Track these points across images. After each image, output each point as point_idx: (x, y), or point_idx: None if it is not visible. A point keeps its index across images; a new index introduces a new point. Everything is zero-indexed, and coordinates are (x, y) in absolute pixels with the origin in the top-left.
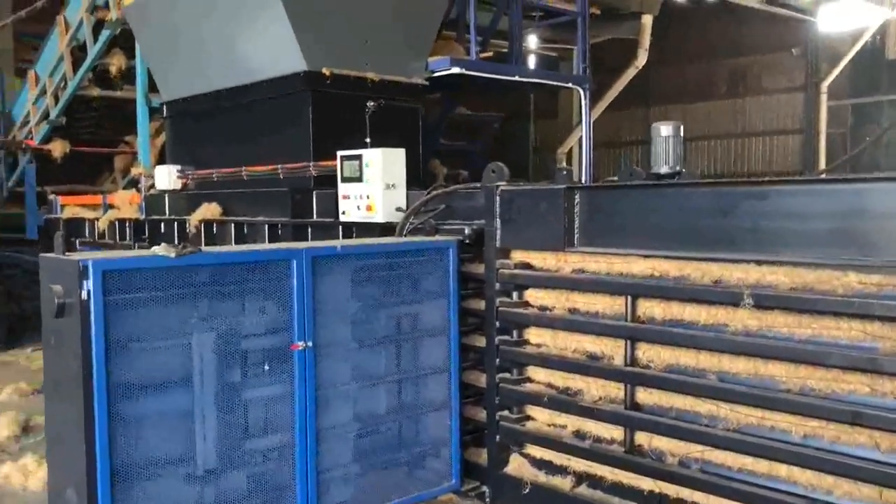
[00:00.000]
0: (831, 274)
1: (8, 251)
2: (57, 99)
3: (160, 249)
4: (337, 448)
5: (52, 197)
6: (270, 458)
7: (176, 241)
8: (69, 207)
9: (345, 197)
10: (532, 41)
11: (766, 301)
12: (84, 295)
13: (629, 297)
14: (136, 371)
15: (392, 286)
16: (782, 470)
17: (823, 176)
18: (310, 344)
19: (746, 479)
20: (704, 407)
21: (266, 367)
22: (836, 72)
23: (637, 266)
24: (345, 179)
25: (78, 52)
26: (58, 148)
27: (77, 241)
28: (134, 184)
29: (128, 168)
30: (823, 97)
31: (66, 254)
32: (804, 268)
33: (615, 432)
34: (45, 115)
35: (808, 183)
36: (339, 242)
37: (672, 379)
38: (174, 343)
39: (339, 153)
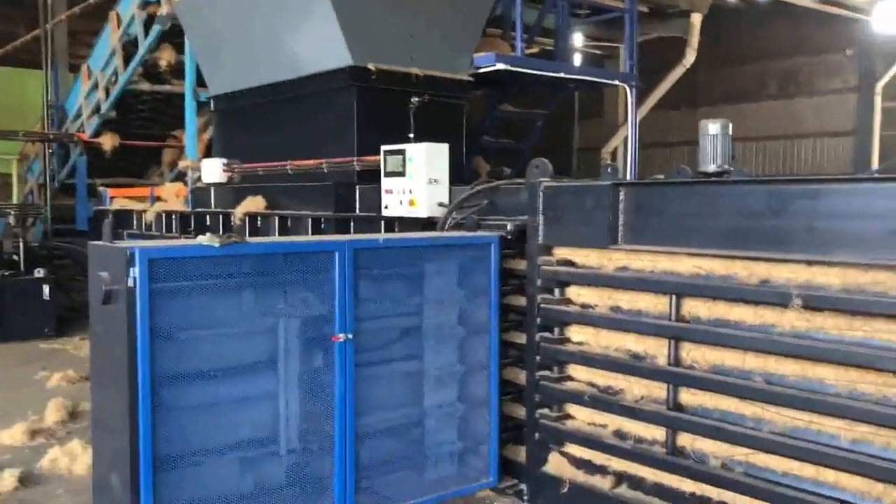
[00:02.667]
0: (885, 275)
1: (59, 242)
2: (108, 93)
3: (205, 239)
4: (375, 442)
5: (101, 189)
6: (310, 449)
7: (221, 233)
8: (118, 199)
9: (388, 191)
10: (578, 39)
11: (816, 302)
12: (130, 282)
13: (674, 296)
14: (180, 359)
15: (433, 281)
16: (829, 475)
17: (880, 174)
18: (350, 336)
19: (792, 483)
20: (750, 409)
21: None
22: (892, 72)
23: (682, 265)
24: (388, 174)
25: (129, 47)
26: (108, 141)
27: (125, 233)
28: (181, 177)
29: (175, 162)
30: (878, 98)
31: (114, 242)
32: (857, 269)
33: (657, 433)
34: (97, 109)
35: (864, 181)
36: (382, 235)
37: (716, 380)
38: (218, 332)
39: (383, 148)
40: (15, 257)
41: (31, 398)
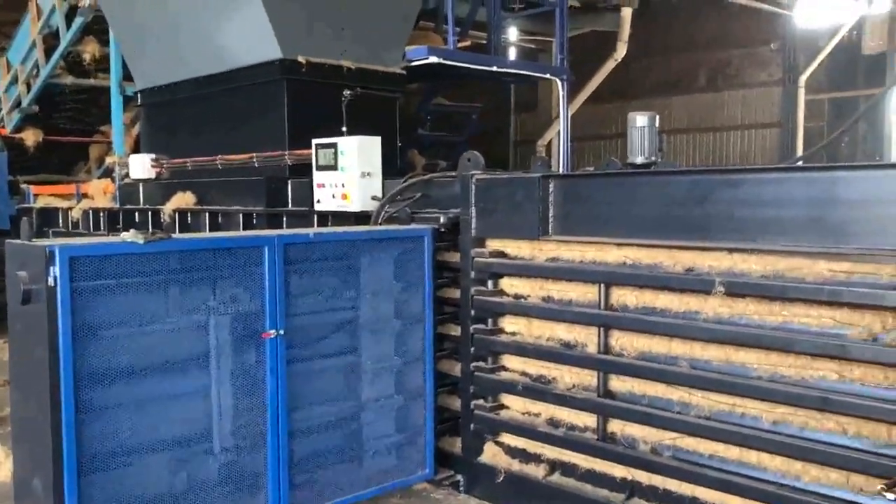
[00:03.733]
0: (802, 262)
1: None
2: (29, 87)
3: (129, 236)
4: (311, 438)
5: (24, 186)
6: (242, 447)
7: (150, 230)
8: (42, 197)
9: (320, 185)
10: (513, 33)
11: (737, 289)
12: (51, 281)
13: (602, 285)
14: (106, 358)
15: (367, 275)
16: (753, 456)
17: (797, 164)
18: (281, 332)
19: (718, 465)
20: (677, 394)
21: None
22: (814, 66)
23: (611, 254)
24: (320, 168)
25: (51, 40)
26: (30, 136)
27: (50, 231)
28: (109, 173)
29: (103, 157)
30: (801, 91)
31: (34, 240)
32: (776, 255)
33: (588, 420)
34: (18, 104)
35: (781, 171)
36: (312, 230)
37: (644, 366)
38: (145, 330)
39: (315, 141)
40: None
41: None
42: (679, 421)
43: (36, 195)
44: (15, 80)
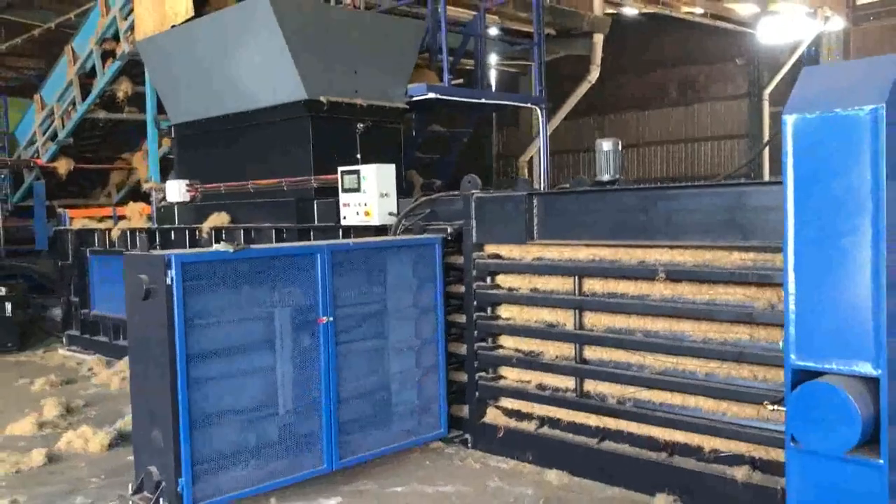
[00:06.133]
0: (721, 253)
1: (18, 262)
2: (63, 121)
3: (220, 246)
4: (352, 403)
5: (60, 210)
6: (301, 411)
7: (187, 247)
8: (78, 220)
9: (345, 205)
10: (493, 58)
11: (676, 275)
12: (168, 281)
13: (576, 277)
14: (202, 341)
15: (392, 274)
16: (691, 400)
17: (715, 182)
18: (331, 318)
19: (666, 409)
20: (634, 357)
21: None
22: (777, 80)
23: (582, 253)
24: (345, 190)
25: (85, 79)
26: (63, 165)
27: (87, 251)
28: (131, 197)
29: (123, 183)
30: (766, 104)
31: (150, 251)
32: (703, 249)
33: (569, 382)
34: (53, 136)
35: (703, 187)
36: (351, 240)
37: (610, 338)
38: (228, 319)
39: (340, 168)
40: None
41: (22, 400)
42: (637, 378)
43: (71, 218)
44: (49, 115)
